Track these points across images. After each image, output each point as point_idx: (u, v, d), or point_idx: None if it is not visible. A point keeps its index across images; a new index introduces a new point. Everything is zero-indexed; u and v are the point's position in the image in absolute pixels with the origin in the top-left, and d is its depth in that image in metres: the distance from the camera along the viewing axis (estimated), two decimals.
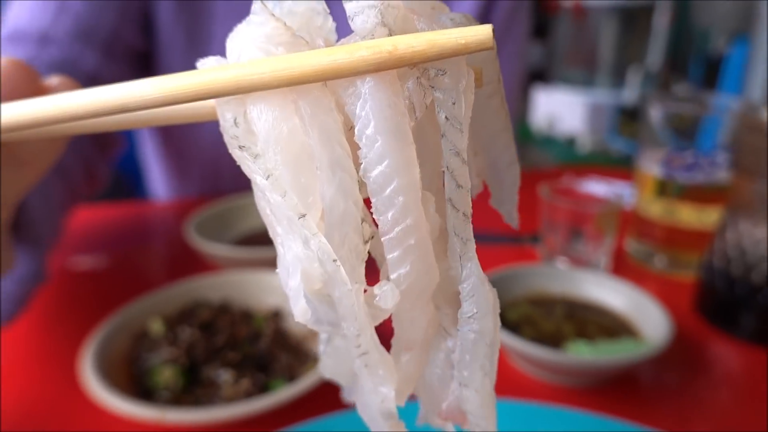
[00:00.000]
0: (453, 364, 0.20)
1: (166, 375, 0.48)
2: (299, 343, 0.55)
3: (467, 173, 0.18)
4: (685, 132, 0.69)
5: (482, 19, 0.93)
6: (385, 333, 0.19)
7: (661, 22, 4.48)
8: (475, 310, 0.19)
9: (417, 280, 0.18)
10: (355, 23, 0.17)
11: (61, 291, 0.71)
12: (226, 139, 0.18)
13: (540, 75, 5.22)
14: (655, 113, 0.70)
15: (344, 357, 0.22)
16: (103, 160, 0.76)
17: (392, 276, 0.18)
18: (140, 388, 0.49)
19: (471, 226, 0.19)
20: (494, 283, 0.57)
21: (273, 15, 0.17)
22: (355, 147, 0.17)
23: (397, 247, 0.18)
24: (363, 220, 0.18)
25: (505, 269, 0.63)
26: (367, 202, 0.18)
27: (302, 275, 0.18)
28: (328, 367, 0.22)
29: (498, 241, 0.83)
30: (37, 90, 0.29)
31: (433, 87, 0.17)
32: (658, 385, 0.53)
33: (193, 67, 0.18)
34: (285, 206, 0.17)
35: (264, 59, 0.17)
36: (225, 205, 0.83)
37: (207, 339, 0.50)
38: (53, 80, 0.30)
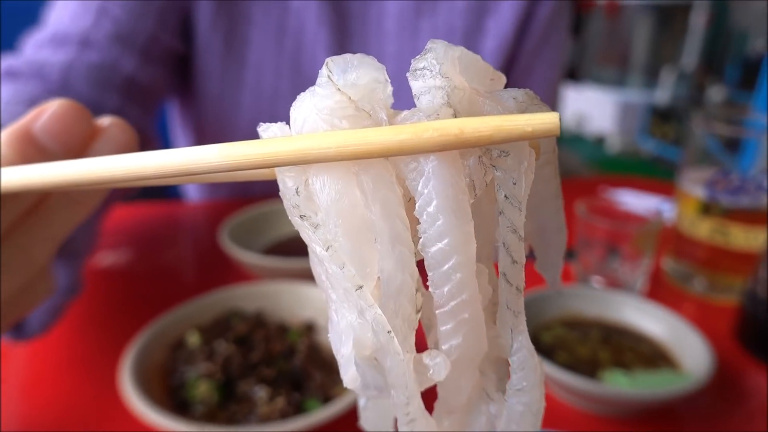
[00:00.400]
0: (493, 428, 0.21)
1: (202, 389, 0.49)
2: (332, 360, 0.55)
3: (523, 250, 0.19)
4: (730, 147, 0.67)
5: (523, 26, 0.91)
6: (426, 393, 0.19)
7: (698, 21, 4.38)
8: (524, 384, 0.20)
9: (467, 350, 0.19)
10: (421, 102, 0.17)
11: (96, 294, 0.72)
12: (287, 205, 0.19)
13: (571, 73, 5.15)
14: (699, 132, 0.68)
15: (385, 412, 0.22)
16: None
17: (444, 347, 0.19)
18: (176, 399, 0.50)
19: (522, 300, 0.19)
20: (528, 303, 0.56)
21: (338, 89, 0.17)
22: (413, 220, 0.18)
23: (451, 320, 0.18)
24: (417, 290, 0.19)
25: (539, 290, 0.62)
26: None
27: (354, 343, 0.18)
28: (369, 421, 0.23)
29: (531, 256, 0.82)
30: (90, 131, 0.28)
31: (494, 166, 0.18)
32: (695, 416, 0.52)
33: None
34: (343, 277, 0.18)
35: (329, 133, 0.17)
36: (258, 210, 0.83)
37: (242, 354, 0.50)
38: (105, 121, 0.29)
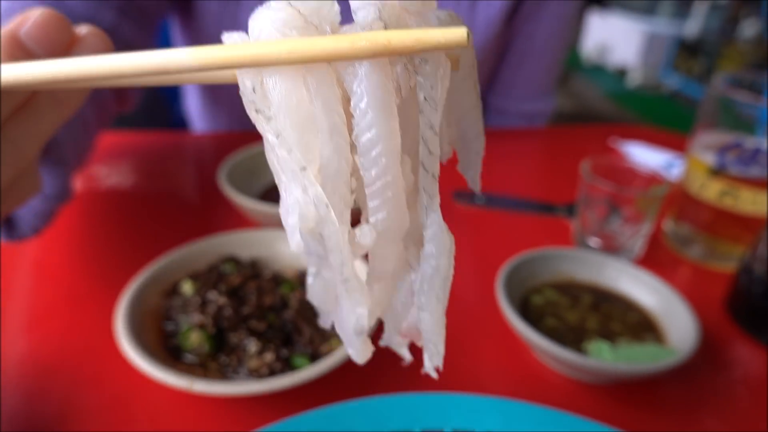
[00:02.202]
0: (414, 293, 0.25)
1: (194, 339, 0.50)
2: None
3: (437, 143, 0.22)
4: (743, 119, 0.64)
5: None
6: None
7: None
8: (434, 251, 0.24)
9: (391, 224, 0.23)
10: (358, 16, 0.21)
11: (90, 228, 0.73)
12: (245, 101, 0.22)
13: None
14: (716, 96, 0.65)
15: (329, 287, 0.26)
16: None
17: (371, 220, 0.22)
18: (170, 345, 0.51)
19: (437, 185, 0.23)
20: (520, 265, 0.55)
21: (290, 4, 0.21)
22: (349, 116, 0.21)
23: (377, 197, 0.22)
24: (351, 175, 0.22)
25: (534, 251, 0.62)
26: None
27: (299, 215, 0.22)
28: (315, 294, 0.27)
29: (531, 209, 0.82)
30: (70, 38, 0.31)
31: (416, 72, 0.21)
32: (678, 386, 0.53)
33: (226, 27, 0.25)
34: (290, 160, 0.22)
35: (281, 40, 0.20)
36: (258, 149, 0.82)
37: (234, 306, 0.51)
38: (82, 29, 0.32)
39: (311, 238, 0.22)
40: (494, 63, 1.06)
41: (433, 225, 0.23)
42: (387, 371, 0.53)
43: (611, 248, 0.71)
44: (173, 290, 0.56)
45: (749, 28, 4.07)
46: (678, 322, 0.54)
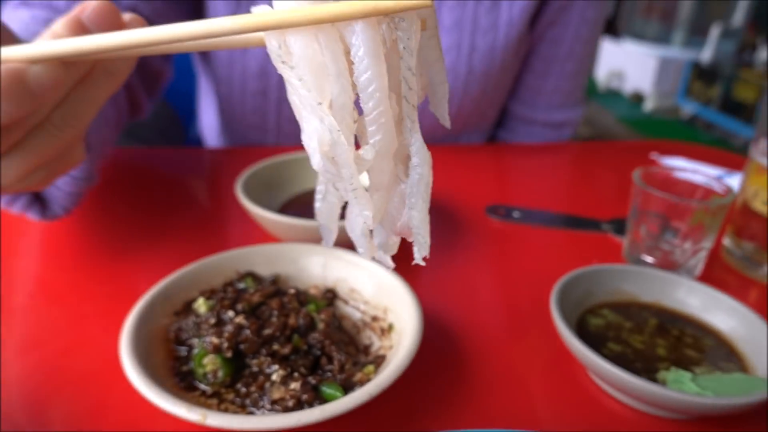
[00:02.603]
0: (404, 200, 0.31)
1: (208, 364, 0.43)
2: (353, 338, 0.49)
3: (415, 81, 0.28)
4: None
5: None
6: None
7: None
8: (418, 161, 0.29)
9: (385, 143, 0.28)
10: None
11: (101, 243, 0.67)
12: (273, 57, 0.28)
13: (609, 26, 4.89)
14: None
15: (333, 209, 0.33)
16: (144, 90, 0.86)
17: (370, 141, 0.28)
18: (181, 372, 0.45)
19: (416, 112, 0.29)
20: (573, 282, 0.53)
21: None
22: (350, 64, 0.27)
23: (374, 123, 0.28)
24: (353, 109, 0.28)
25: (588, 268, 0.55)
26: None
27: (318, 140, 0.28)
28: (323, 214, 0.33)
29: (572, 225, 0.75)
30: (119, 23, 0.39)
31: (397, 29, 0.27)
32: (763, 420, 0.45)
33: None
34: (309, 98, 0.28)
35: (297, 8, 0.26)
36: (278, 160, 0.77)
37: (254, 326, 0.45)
38: (127, 16, 0.40)
39: (326, 159, 0.28)
40: (518, 69, 1.01)
41: (416, 142, 0.29)
42: (426, 405, 0.46)
43: (667, 267, 0.64)
44: (186, 309, 0.50)
45: (765, 53, 4.03)
46: (764, 349, 0.46)
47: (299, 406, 0.41)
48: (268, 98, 0.94)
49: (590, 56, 1.04)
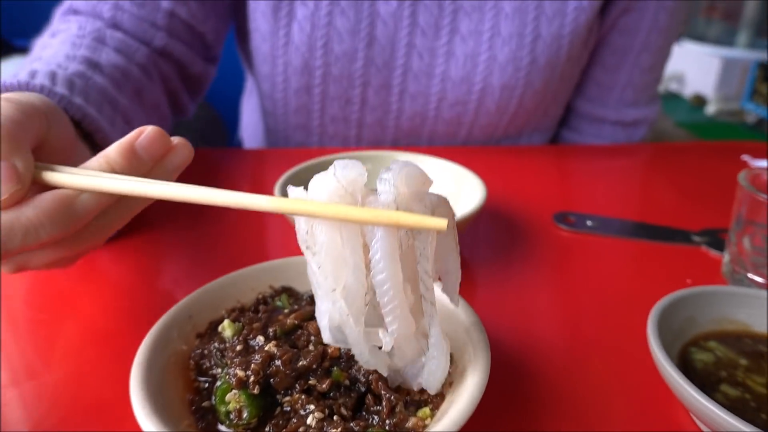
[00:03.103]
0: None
1: (231, 401, 0.36)
2: None
3: (432, 281, 0.32)
4: None
5: None
6: None
7: None
8: (435, 354, 0.34)
9: (402, 330, 0.32)
10: (381, 196, 0.31)
11: (126, 255, 0.61)
12: (299, 238, 0.33)
13: None
14: None
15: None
16: (186, 91, 0.86)
17: (388, 330, 0.32)
18: (201, 408, 0.38)
19: (436, 308, 0.33)
20: (673, 306, 0.44)
21: (338, 180, 0.31)
22: (367, 257, 0.31)
23: (390, 314, 0.31)
24: (366, 294, 0.32)
25: (688, 291, 0.45)
26: None
27: (329, 319, 0.32)
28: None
29: (655, 236, 0.65)
30: (168, 147, 0.41)
31: (414, 238, 0.31)
32: None
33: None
34: (325, 283, 0.32)
35: (329, 204, 0.31)
36: (319, 161, 0.70)
37: (288, 356, 0.37)
38: (175, 139, 0.42)
39: (338, 333, 0.33)
40: (586, 61, 0.92)
41: (435, 335, 0.33)
42: None
43: None
44: (211, 331, 0.43)
45: None
46: None
47: None
48: (312, 95, 0.87)
49: (668, 48, 0.93)
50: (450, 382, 0.39)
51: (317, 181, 0.32)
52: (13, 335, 0.49)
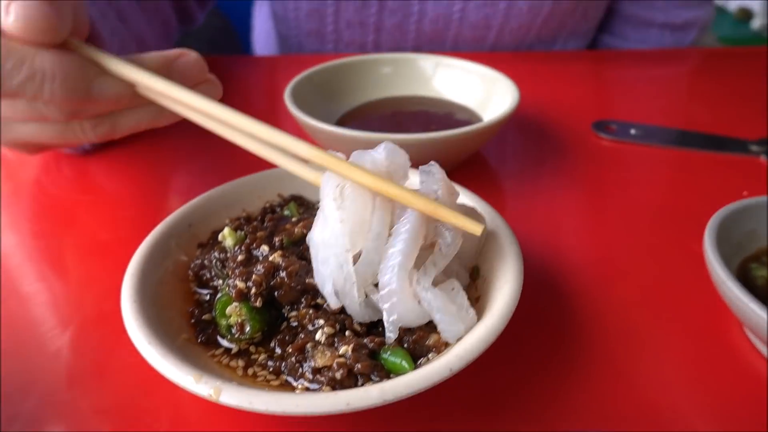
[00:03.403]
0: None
1: (232, 314, 0.33)
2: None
3: (434, 273, 0.31)
4: None
5: None
6: None
7: None
8: (443, 320, 0.31)
9: (398, 310, 0.30)
10: (424, 185, 0.33)
11: (131, 158, 0.57)
12: (325, 190, 0.32)
13: None
14: None
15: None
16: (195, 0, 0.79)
17: (383, 307, 0.31)
18: (202, 315, 0.34)
19: (440, 300, 0.30)
20: (732, 218, 0.39)
21: (386, 158, 0.32)
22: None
23: (386, 300, 0.30)
24: (377, 271, 0.31)
25: (749, 201, 0.39)
26: None
27: (333, 284, 0.31)
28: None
29: (706, 145, 0.58)
30: (202, 78, 0.41)
31: (440, 236, 0.31)
32: None
33: None
34: (342, 240, 0.30)
35: (372, 175, 0.31)
36: (331, 64, 0.64)
37: (294, 269, 0.33)
38: (210, 76, 0.42)
39: (338, 300, 0.32)
40: None
41: (440, 320, 0.31)
42: (518, 383, 0.34)
43: None
44: (214, 241, 0.39)
45: None
46: None
47: (351, 379, 0.29)
48: None
49: None
50: (476, 297, 0.35)
51: (364, 153, 0.32)
52: (13, 247, 0.46)
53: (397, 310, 0.30)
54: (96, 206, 0.51)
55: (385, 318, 0.30)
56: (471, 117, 0.59)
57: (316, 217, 0.32)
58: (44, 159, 0.57)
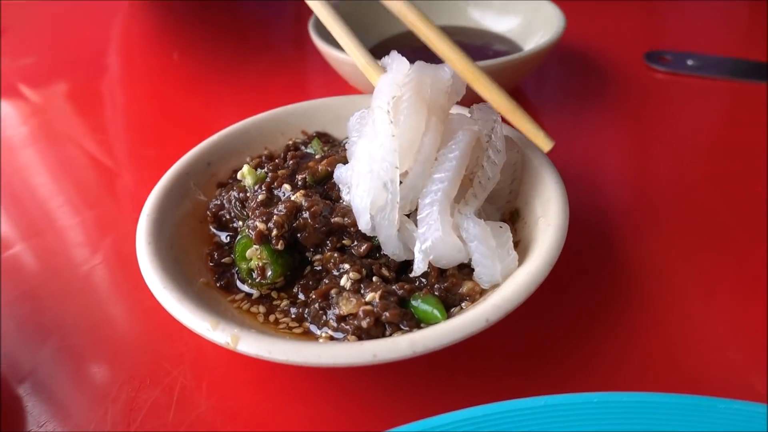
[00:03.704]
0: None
1: (253, 258, 0.31)
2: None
3: (472, 209, 0.29)
4: None
5: None
6: None
7: None
8: (481, 262, 0.28)
9: (433, 237, 0.28)
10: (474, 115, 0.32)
11: (153, 88, 0.55)
12: (381, 100, 0.29)
13: None
14: None
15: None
16: None
17: (419, 235, 0.28)
18: (222, 258, 0.33)
19: (480, 228, 0.28)
20: None
21: (449, 76, 0.31)
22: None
23: (424, 223, 0.28)
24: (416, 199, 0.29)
25: None
26: None
27: (372, 200, 0.28)
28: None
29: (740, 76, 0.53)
30: None
31: (480, 167, 0.30)
32: None
33: None
34: (390, 157, 0.28)
35: (459, 56, 0.31)
36: None
37: (317, 209, 0.31)
38: None
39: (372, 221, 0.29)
40: None
41: (478, 251, 0.28)
42: (557, 337, 0.31)
43: None
44: (233, 181, 0.37)
45: None
46: None
47: (378, 328, 0.27)
48: None
49: None
50: (516, 241, 0.32)
51: (427, 67, 0.32)
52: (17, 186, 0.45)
53: (432, 236, 0.28)
54: (114, 143, 0.49)
55: (417, 247, 0.28)
56: (510, 48, 0.54)
57: (364, 126, 0.31)
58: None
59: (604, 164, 0.45)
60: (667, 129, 0.48)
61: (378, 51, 0.56)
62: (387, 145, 0.28)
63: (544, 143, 0.29)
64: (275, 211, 0.31)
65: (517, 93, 0.53)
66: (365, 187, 0.28)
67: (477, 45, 0.56)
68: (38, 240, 0.39)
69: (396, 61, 0.31)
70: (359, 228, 0.29)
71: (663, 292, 0.33)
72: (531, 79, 0.55)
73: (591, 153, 0.45)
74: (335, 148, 0.38)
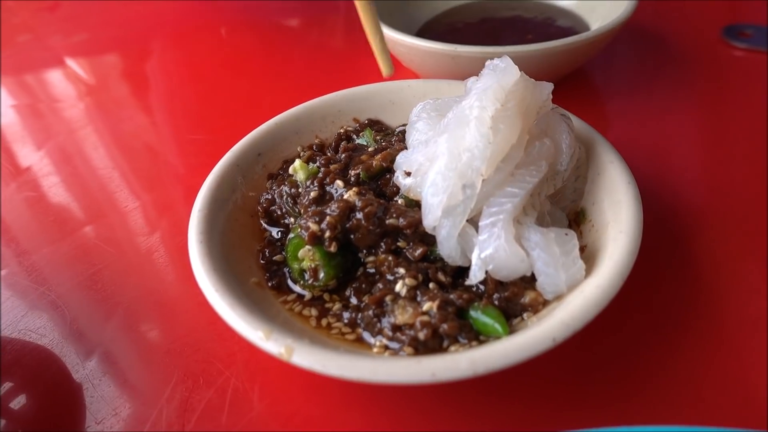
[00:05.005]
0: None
1: (306, 259, 0.30)
2: None
3: (540, 213, 0.29)
4: None
5: None
6: None
7: None
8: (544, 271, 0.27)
9: (496, 245, 0.27)
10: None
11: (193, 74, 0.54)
12: (487, 103, 0.28)
13: None
14: None
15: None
16: None
17: (478, 243, 0.28)
18: (273, 255, 0.32)
19: (544, 237, 0.28)
20: None
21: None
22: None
23: (486, 231, 0.27)
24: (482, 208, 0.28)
25: None
26: None
27: (448, 196, 0.27)
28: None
29: None
30: None
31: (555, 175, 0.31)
32: None
33: None
34: (477, 163, 0.27)
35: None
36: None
37: (372, 209, 0.29)
38: None
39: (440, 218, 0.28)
40: None
41: (540, 258, 0.27)
42: (625, 356, 0.29)
43: None
44: (284, 172, 0.36)
45: None
46: None
47: (435, 340, 0.26)
48: None
49: None
50: (582, 246, 0.30)
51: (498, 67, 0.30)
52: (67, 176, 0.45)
53: (493, 244, 0.27)
54: (167, 130, 0.49)
55: (475, 254, 0.27)
56: (574, 23, 0.51)
57: (451, 116, 0.29)
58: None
59: (676, 154, 0.42)
60: (747, 114, 0.44)
61: (431, 28, 0.54)
62: (481, 149, 0.27)
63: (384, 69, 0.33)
64: (328, 211, 0.30)
65: (580, 73, 0.50)
66: (444, 184, 0.27)
67: (538, 20, 0.52)
68: (103, 221, 0.40)
69: (508, 67, 0.29)
70: (424, 224, 0.28)
71: (741, 316, 0.30)
72: (596, 59, 0.51)
73: (661, 141, 0.42)
74: (388, 137, 0.37)
